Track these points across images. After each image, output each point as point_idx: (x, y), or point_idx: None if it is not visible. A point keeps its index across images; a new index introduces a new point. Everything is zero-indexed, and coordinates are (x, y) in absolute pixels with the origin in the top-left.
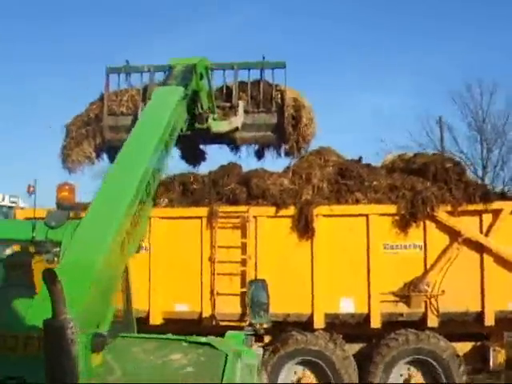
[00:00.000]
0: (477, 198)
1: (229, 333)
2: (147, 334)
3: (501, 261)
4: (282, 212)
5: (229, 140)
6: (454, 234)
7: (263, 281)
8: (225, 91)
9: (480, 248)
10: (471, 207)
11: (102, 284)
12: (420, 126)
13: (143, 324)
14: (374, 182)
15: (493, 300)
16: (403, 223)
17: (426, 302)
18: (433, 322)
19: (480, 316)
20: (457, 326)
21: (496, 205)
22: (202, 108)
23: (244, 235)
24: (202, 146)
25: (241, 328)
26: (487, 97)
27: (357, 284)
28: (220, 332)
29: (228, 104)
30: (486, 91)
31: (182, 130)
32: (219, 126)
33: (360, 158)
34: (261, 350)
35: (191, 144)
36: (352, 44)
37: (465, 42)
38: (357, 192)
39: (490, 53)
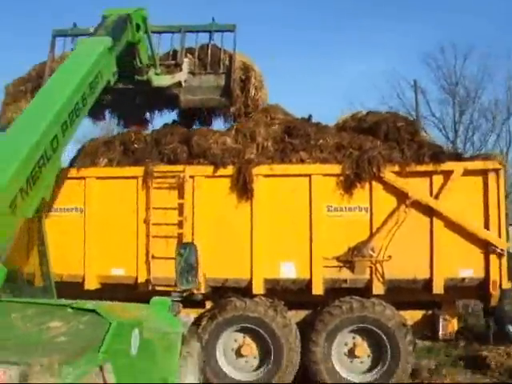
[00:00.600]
0: (426, 159)
1: (154, 299)
2: (33, 299)
3: (451, 225)
4: (221, 172)
5: (173, 103)
6: (401, 196)
7: (192, 244)
8: (171, 54)
9: (429, 211)
10: (420, 168)
11: None
12: (392, 89)
13: (78, 289)
14: (320, 141)
15: (442, 267)
16: (348, 184)
17: (371, 267)
18: (378, 289)
19: (429, 284)
20: (405, 294)
21: (447, 166)
22: (141, 62)
23: (181, 196)
24: (146, 115)
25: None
26: (461, 60)
27: (298, 248)
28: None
29: (173, 62)
30: (459, 54)
31: (109, 83)
32: (161, 80)
33: (309, 117)
34: (189, 318)
35: (135, 112)
36: (324, 9)
37: (440, 5)
38: (302, 151)
39: (464, 15)
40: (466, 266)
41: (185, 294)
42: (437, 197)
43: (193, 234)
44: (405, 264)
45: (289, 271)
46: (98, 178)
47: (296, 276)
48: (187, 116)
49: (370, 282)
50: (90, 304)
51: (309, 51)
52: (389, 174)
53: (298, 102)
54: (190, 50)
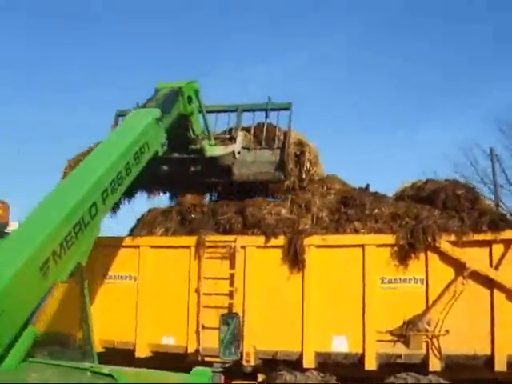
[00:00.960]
0: (484, 227)
1: (195, 368)
2: (56, 361)
3: None
4: (272, 242)
5: (226, 175)
6: (459, 267)
7: (237, 315)
8: (227, 132)
9: (489, 283)
10: (478, 237)
11: (9, 302)
12: (465, 157)
13: (129, 357)
14: (376, 211)
15: (504, 342)
16: (403, 255)
17: (427, 342)
18: (435, 365)
19: (490, 360)
20: (464, 371)
21: (507, 234)
22: (194, 133)
23: (232, 266)
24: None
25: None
26: None
27: (351, 321)
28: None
29: (228, 136)
30: None
31: (157, 153)
32: (214, 150)
33: (367, 186)
34: None
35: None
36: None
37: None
38: (356, 221)
39: None
40: None
41: (227, 365)
42: (497, 267)
43: (243, 305)
44: (464, 339)
45: (341, 345)
46: (151, 246)
47: (348, 350)
48: (242, 191)
49: (426, 358)
50: (107, 369)
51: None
52: (445, 243)
53: (368, 173)
54: (247, 128)
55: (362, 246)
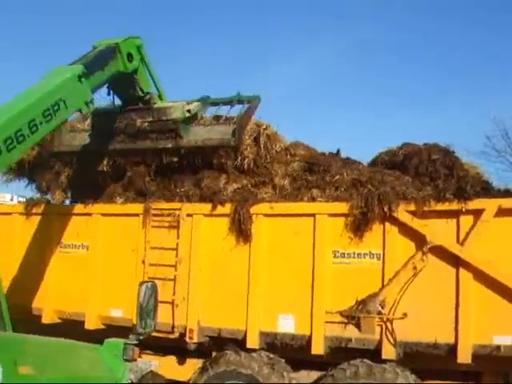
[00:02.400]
0: (448, 195)
1: (107, 340)
2: None
3: (483, 278)
4: (219, 210)
5: (174, 140)
6: (419, 242)
7: (152, 283)
8: None
9: (454, 260)
10: (442, 206)
11: None
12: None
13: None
14: (337, 177)
15: (470, 330)
16: (357, 226)
17: (381, 326)
18: (389, 352)
19: (453, 350)
20: (424, 361)
21: (475, 203)
22: (142, 91)
23: (177, 236)
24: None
25: (170, 341)
26: None
27: (299, 299)
28: (152, 342)
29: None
30: None
31: (80, 111)
32: (163, 103)
33: (338, 151)
34: (150, 364)
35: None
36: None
37: None
38: (315, 188)
39: None
40: (502, 331)
41: (141, 338)
42: (463, 243)
43: (188, 277)
44: (423, 325)
45: (287, 325)
46: (103, 214)
47: (295, 331)
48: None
49: (380, 344)
50: None
51: None
52: (403, 213)
53: None
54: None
55: (313, 215)
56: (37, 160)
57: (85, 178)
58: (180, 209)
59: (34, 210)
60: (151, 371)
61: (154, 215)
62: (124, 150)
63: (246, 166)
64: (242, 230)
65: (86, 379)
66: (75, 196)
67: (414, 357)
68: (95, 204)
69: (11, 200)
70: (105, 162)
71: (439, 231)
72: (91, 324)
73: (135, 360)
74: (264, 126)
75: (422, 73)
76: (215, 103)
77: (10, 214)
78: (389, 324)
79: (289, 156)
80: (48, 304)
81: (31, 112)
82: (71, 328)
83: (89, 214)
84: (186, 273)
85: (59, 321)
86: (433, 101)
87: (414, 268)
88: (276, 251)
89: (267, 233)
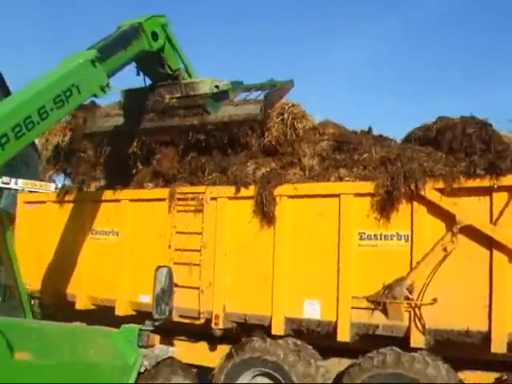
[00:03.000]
0: (479, 170)
1: (123, 326)
2: None
3: None
4: (243, 193)
5: (200, 116)
6: (449, 222)
7: (168, 268)
8: None
9: (487, 241)
10: (473, 183)
11: None
12: None
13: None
14: (365, 155)
15: (506, 317)
16: (384, 206)
17: (409, 312)
18: (418, 340)
19: (487, 338)
20: (455, 350)
21: (509, 179)
22: (170, 69)
23: (202, 220)
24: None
25: (198, 327)
26: None
27: (324, 283)
28: (180, 329)
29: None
30: None
31: (96, 96)
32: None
33: (369, 129)
34: (168, 350)
35: None
36: None
37: None
38: (342, 168)
39: None
40: None
41: (157, 324)
42: (496, 222)
43: (214, 262)
44: (454, 311)
45: (313, 311)
46: (131, 200)
47: (321, 317)
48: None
49: (408, 331)
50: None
51: None
52: (432, 191)
53: None
54: None
55: (338, 195)
56: (70, 146)
57: (116, 165)
58: (204, 192)
59: (66, 198)
60: (169, 357)
61: (179, 199)
62: (152, 129)
63: (272, 144)
64: (265, 212)
65: (90, 365)
66: (109, 185)
67: (446, 345)
68: (123, 190)
69: (56, 189)
70: (134, 144)
71: (470, 210)
72: (121, 310)
73: (151, 346)
74: (290, 105)
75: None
76: (248, 89)
77: (44, 202)
78: (417, 310)
79: (318, 135)
80: (81, 290)
81: (41, 99)
82: (105, 314)
83: (117, 201)
84: (211, 258)
85: (93, 307)
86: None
87: (444, 250)
88: (300, 234)
89: (291, 215)
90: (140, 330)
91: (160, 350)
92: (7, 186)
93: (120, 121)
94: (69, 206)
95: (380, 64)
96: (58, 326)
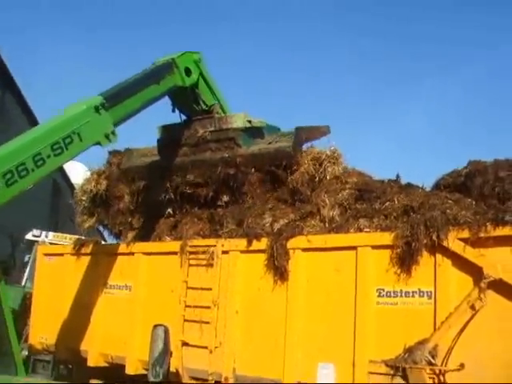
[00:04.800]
0: (509, 217)
1: None
2: None
3: None
4: (255, 246)
5: (231, 149)
6: (476, 275)
7: (164, 327)
8: None
9: None
10: (501, 231)
11: None
12: None
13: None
14: (386, 204)
15: None
16: (404, 259)
17: (433, 379)
18: None
19: None
20: None
21: None
22: (205, 104)
23: (213, 275)
24: None
25: None
26: None
27: (340, 346)
28: None
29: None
30: None
31: (100, 144)
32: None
33: (397, 177)
34: None
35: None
36: None
37: None
38: (362, 218)
39: None
40: None
41: None
42: None
43: (225, 321)
44: (485, 378)
45: (327, 376)
46: (144, 253)
47: (336, 382)
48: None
49: None
50: None
51: None
52: (455, 242)
53: None
54: None
55: (355, 248)
56: (106, 193)
57: (152, 213)
58: (215, 245)
59: (82, 251)
60: None
61: (191, 253)
62: (185, 164)
63: (296, 184)
64: (277, 267)
65: None
66: (144, 236)
67: None
68: (136, 243)
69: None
70: (168, 187)
71: (500, 262)
72: (132, 369)
73: None
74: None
75: None
76: (284, 135)
77: (62, 254)
78: (441, 377)
79: (340, 184)
80: (93, 346)
81: (36, 145)
82: (118, 372)
83: (131, 254)
84: (222, 315)
85: (105, 364)
86: None
87: (471, 308)
88: (315, 291)
89: (305, 270)
90: None
91: None
92: (37, 238)
93: (156, 158)
94: (85, 259)
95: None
96: None
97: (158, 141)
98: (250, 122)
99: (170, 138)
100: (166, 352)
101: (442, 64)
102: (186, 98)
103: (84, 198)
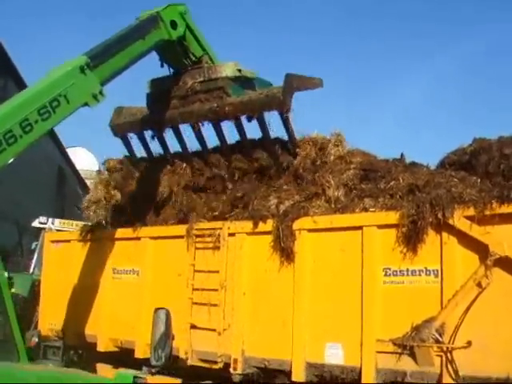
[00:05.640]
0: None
1: (118, 372)
2: None
3: None
4: (261, 227)
5: (220, 99)
6: (482, 253)
7: (165, 310)
8: None
9: None
10: (507, 208)
11: None
12: None
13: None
14: (391, 183)
15: None
16: (410, 238)
17: (440, 357)
18: None
19: None
20: None
21: None
22: (194, 56)
23: (219, 257)
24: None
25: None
26: None
27: (347, 325)
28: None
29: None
30: None
31: (88, 105)
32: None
33: (401, 156)
34: None
35: None
36: None
37: None
38: (367, 197)
39: None
40: None
41: (153, 371)
42: None
43: (232, 303)
44: (492, 355)
45: (335, 355)
46: (151, 237)
47: (344, 362)
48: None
49: (440, 379)
50: None
51: None
52: (461, 220)
53: None
54: None
55: (360, 228)
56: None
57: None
58: (221, 228)
59: (89, 236)
60: None
61: (197, 236)
62: (174, 116)
63: (299, 168)
64: (283, 248)
65: None
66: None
67: None
68: (143, 227)
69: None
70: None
71: (506, 239)
72: (141, 353)
73: None
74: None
75: None
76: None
77: (69, 241)
78: (449, 354)
79: (344, 164)
80: (103, 331)
81: (22, 111)
82: (128, 356)
83: (138, 238)
84: (230, 297)
85: (115, 349)
86: None
87: (478, 285)
88: (321, 271)
89: (311, 251)
90: (135, 377)
91: None
92: (44, 226)
93: (146, 112)
94: (92, 245)
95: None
96: (38, 371)
97: (148, 95)
98: (240, 71)
99: (160, 91)
100: (167, 335)
101: (442, 40)
102: (174, 52)
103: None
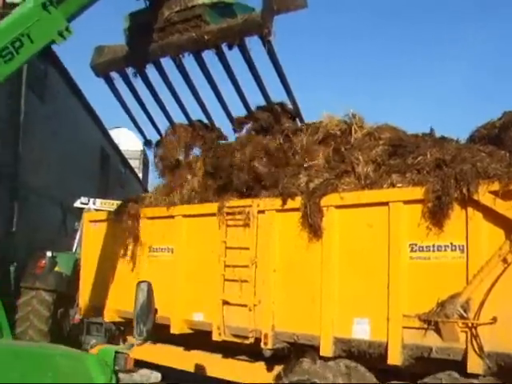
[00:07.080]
0: None
1: (100, 348)
2: None
3: None
4: (290, 204)
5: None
6: (508, 228)
7: (147, 283)
8: None
9: None
10: None
11: None
12: None
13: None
14: (419, 158)
15: None
16: (436, 214)
17: (466, 333)
18: (475, 366)
19: None
20: None
21: None
22: None
23: (249, 234)
24: None
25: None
26: None
27: (374, 300)
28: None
29: None
30: None
31: (54, 42)
32: None
33: (431, 131)
34: (151, 375)
35: None
36: None
37: None
38: (395, 173)
39: None
40: None
41: (136, 345)
42: None
43: (262, 279)
44: None
45: (362, 330)
46: (184, 216)
47: (370, 337)
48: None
49: (466, 355)
50: None
51: None
52: (486, 195)
53: None
54: None
55: (387, 203)
56: None
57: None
58: (251, 205)
59: (125, 216)
60: None
61: (228, 214)
62: (153, 50)
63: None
64: (311, 224)
65: None
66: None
67: (510, 371)
68: (177, 206)
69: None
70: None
71: None
72: (177, 328)
73: (131, 371)
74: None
75: None
76: None
77: (105, 220)
78: (474, 330)
79: (373, 140)
80: None
81: None
82: (162, 332)
83: (171, 217)
84: (260, 274)
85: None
86: None
87: (504, 261)
88: (349, 247)
89: (339, 227)
90: (117, 352)
91: (141, 375)
92: (85, 206)
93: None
94: (128, 224)
95: None
96: (13, 346)
97: (125, 31)
98: None
99: (137, 25)
100: (149, 309)
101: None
102: None
103: None
